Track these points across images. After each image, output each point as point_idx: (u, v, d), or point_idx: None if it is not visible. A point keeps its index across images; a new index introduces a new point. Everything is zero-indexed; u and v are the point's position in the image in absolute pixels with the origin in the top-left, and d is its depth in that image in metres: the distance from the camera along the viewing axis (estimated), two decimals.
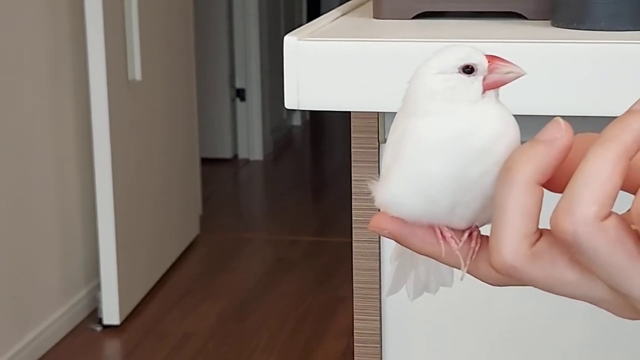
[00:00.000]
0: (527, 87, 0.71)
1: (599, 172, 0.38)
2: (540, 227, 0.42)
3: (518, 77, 0.44)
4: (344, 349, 2.62)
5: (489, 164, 0.43)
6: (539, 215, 0.41)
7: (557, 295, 0.43)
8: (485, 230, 0.45)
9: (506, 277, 0.43)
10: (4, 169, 2.42)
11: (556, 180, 0.41)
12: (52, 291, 2.67)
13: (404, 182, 0.44)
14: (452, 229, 0.45)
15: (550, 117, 0.43)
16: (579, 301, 0.43)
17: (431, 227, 0.45)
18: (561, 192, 0.40)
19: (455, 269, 0.46)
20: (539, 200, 0.41)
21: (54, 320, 2.66)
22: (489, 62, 0.44)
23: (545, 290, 0.42)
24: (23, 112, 2.51)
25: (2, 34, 2.40)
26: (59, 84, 2.68)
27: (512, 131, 0.44)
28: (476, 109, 0.43)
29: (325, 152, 5.03)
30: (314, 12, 5.40)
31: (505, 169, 0.41)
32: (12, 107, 2.45)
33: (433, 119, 0.43)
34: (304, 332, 2.74)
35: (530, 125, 0.59)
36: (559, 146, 0.41)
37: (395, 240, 0.46)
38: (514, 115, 0.45)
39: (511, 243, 0.41)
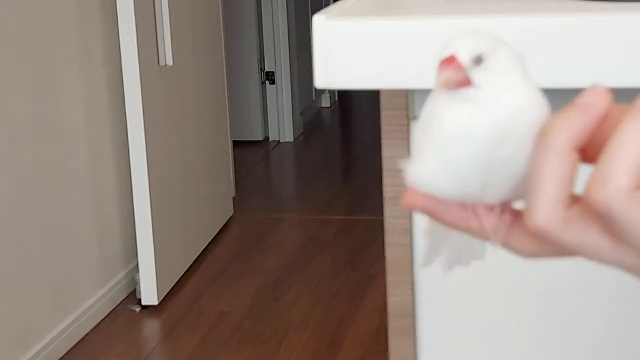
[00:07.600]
0: (558, 61, 0.70)
1: (631, 142, 0.38)
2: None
3: (442, 85, 0.43)
4: (377, 325, 2.64)
5: (513, 146, 0.43)
6: (574, 180, 0.41)
7: (591, 270, 0.43)
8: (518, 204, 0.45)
9: (539, 249, 0.43)
10: (39, 156, 2.46)
11: (589, 152, 0.41)
12: (91, 274, 2.71)
13: (435, 164, 0.44)
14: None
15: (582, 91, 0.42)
16: (614, 276, 0.42)
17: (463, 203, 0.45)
18: (594, 163, 0.40)
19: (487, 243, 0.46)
20: (575, 165, 0.41)
21: (94, 302, 2.70)
22: (440, 64, 0.42)
23: (578, 255, 0.42)
24: (57, 99, 2.54)
25: (35, 23, 2.43)
26: (92, 70, 2.72)
27: (533, 110, 0.43)
28: (488, 95, 0.42)
29: (354, 132, 5.05)
30: None
31: (542, 135, 0.41)
32: (46, 95, 2.49)
33: (451, 105, 0.43)
34: (337, 309, 2.76)
35: (562, 99, 0.61)
36: (596, 111, 0.40)
37: (429, 216, 0.46)
38: (546, 89, 0.45)
39: (546, 206, 0.41)
